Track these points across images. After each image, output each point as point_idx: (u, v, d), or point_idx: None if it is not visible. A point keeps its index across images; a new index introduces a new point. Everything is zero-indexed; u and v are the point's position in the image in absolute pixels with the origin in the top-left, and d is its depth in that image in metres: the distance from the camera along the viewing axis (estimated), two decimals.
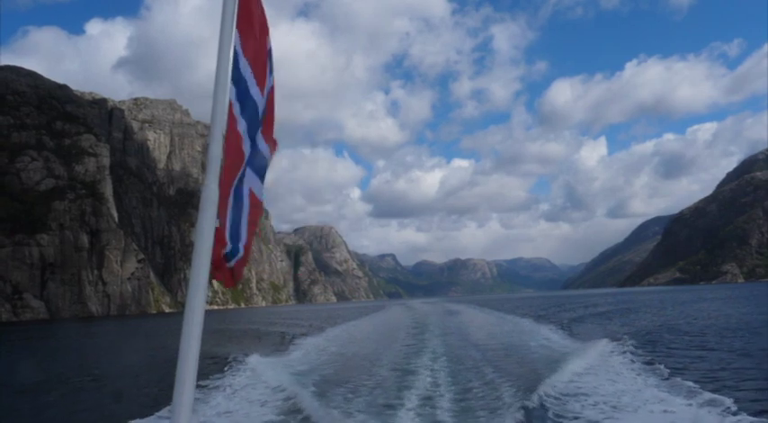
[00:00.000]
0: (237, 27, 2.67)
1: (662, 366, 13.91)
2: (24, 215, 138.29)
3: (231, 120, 2.62)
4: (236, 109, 2.65)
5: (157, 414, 11.58)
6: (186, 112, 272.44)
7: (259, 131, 2.85)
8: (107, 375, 21.14)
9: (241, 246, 2.72)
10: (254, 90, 2.76)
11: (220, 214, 2.55)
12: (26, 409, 14.46)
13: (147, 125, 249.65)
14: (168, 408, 12.04)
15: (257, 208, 2.86)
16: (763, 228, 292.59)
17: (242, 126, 2.68)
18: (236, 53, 2.67)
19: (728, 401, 9.21)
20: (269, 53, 2.91)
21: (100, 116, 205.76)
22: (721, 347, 18.80)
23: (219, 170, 2.44)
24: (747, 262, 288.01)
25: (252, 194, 2.82)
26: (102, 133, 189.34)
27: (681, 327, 27.35)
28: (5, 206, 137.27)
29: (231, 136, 2.61)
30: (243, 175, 2.74)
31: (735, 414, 8.63)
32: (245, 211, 2.77)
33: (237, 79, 2.67)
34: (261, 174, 2.89)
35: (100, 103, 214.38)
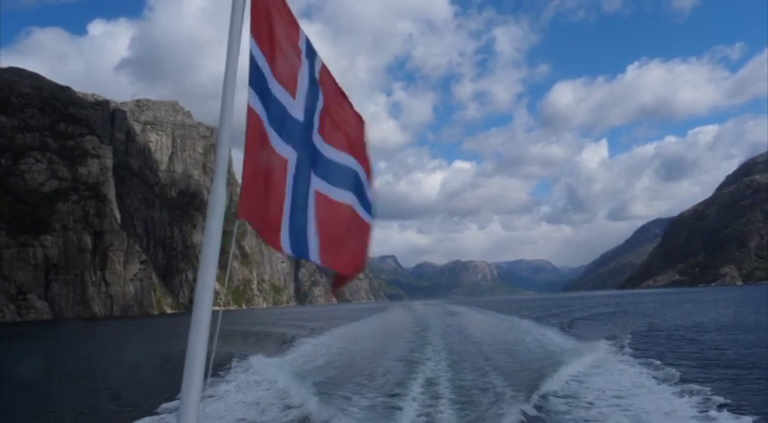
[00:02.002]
0: (252, 30, 2.62)
1: (655, 364, 15.07)
2: (28, 216, 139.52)
3: (253, 126, 2.58)
4: (263, 114, 2.62)
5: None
6: (188, 114, 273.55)
7: (312, 133, 2.91)
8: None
9: (312, 250, 2.82)
10: (279, 94, 2.73)
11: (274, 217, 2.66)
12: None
13: (149, 127, 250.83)
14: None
15: (326, 207, 2.95)
16: (762, 231, 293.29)
17: (270, 131, 2.66)
18: (252, 56, 2.62)
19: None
20: (301, 53, 2.89)
21: (102, 118, 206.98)
22: (688, 338, 22.75)
23: (227, 174, 2.47)
24: (746, 264, 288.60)
25: (319, 195, 2.92)
26: (104, 135, 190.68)
27: (663, 326, 29.49)
28: (10, 207, 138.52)
29: (255, 141, 2.58)
30: (300, 178, 2.78)
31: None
32: (310, 213, 2.85)
33: (257, 83, 2.62)
34: (329, 177, 2.98)
35: (102, 104, 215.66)
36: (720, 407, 9.82)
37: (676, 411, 9.76)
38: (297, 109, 2.85)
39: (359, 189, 3.16)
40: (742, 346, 19.23)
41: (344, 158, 3.11)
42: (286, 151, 2.75)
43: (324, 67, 3.08)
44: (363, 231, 3.16)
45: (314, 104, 2.97)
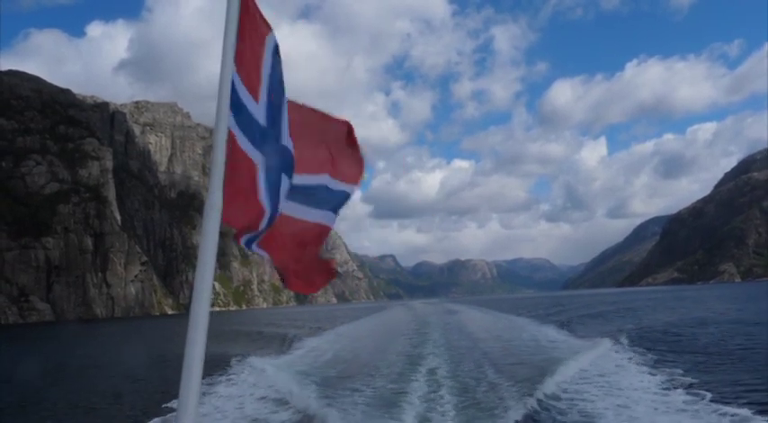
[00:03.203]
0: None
1: (637, 351, 16.57)
2: (30, 218, 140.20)
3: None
4: (231, 122, 2.64)
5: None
6: (187, 115, 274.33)
7: (281, 138, 2.89)
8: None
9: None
10: (245, 97, 2.73)
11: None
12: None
13: (148, 128, 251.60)
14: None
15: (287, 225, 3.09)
16: (761, 228, 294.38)
17: (239, 135, 2.68)
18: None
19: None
20: (269, 59, 2.85)
21: (102, 120, 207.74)
22: (671, 331, 24.27)
23: (224, 177, 2.50)
24: (744, 262, 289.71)
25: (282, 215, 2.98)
26: (104, 137, 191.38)
27: (651, 321, 31.26)
28: (11, 210, 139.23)
29: (232, 146, 2.62)
30: (270, 184, 2.80)
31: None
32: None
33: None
34: (295, 194, 3.04)
35: (102, 106, 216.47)
36: (680, 385, 11.65)
37: (646, 387, 11.51)
38: (260, 113, 2.79)
39: (325, 202, 3.24)
40: (714, 337, 21.06)
41: (310, 178, 3.15)
42: (255, 155, 2.74)
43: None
44: (316, 241, 3.26)
45: (280, 110, 2.90)
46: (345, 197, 3.32)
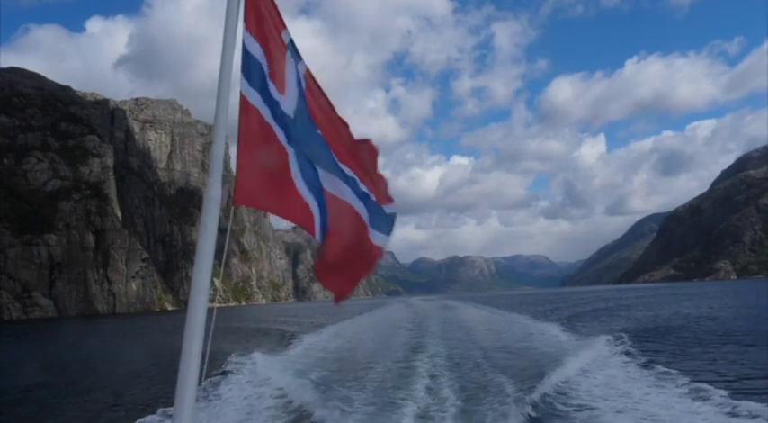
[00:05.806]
0: (246, 23, 2.62)
1: (654, 361, 16.42)
2: (32, 216, 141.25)
3: (250, 116, 2.57)
4: (261, 106, 2.64)
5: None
6: (187, 112, 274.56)
7: (312, 132, 2.92)
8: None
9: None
10: (272, 88, 2.74)
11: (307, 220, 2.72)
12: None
13: (148, 125, 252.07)
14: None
15: (336, 206, 2.94)
16: (756, 225, 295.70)
17: (273, 123, 2.70)
18: (246, 48, 2.62)
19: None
20: (287, 51, 2.87)
21: (102, 117, 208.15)
22: (654, 326, 26.31)
23: (223, 170, 2.46)
24: (740, 259, 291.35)
25: (326, 192, 2.92)
26: (104, 134, 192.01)
27: (639, 317, 33.01)
28: (14, 207, 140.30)
29: (252, 132, 2.59)
30: (307, 175, 2.81)
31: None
32: (325, 212, 2.88)
33: (254, 75, 2.64)
34: (328, 166, 2.96)
35: (102, 103, 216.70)
36: (646, 361, 14.09)
37: (625, 369, 13.59)
38: (287, 105, 2.86)
39: (366, 202, 3.14)
40: (690, 331, 23.50)
41: (343, 167, 3.10)
42: (287, 145, 2.81)
43: (309, 72, 3.09)
44: (369, 248, 3.11)
45: (302, 105, 2.96)
46: (391, 218, 3.27)
